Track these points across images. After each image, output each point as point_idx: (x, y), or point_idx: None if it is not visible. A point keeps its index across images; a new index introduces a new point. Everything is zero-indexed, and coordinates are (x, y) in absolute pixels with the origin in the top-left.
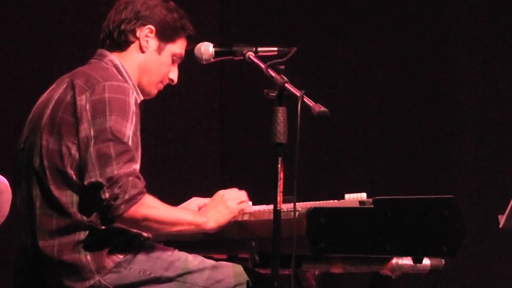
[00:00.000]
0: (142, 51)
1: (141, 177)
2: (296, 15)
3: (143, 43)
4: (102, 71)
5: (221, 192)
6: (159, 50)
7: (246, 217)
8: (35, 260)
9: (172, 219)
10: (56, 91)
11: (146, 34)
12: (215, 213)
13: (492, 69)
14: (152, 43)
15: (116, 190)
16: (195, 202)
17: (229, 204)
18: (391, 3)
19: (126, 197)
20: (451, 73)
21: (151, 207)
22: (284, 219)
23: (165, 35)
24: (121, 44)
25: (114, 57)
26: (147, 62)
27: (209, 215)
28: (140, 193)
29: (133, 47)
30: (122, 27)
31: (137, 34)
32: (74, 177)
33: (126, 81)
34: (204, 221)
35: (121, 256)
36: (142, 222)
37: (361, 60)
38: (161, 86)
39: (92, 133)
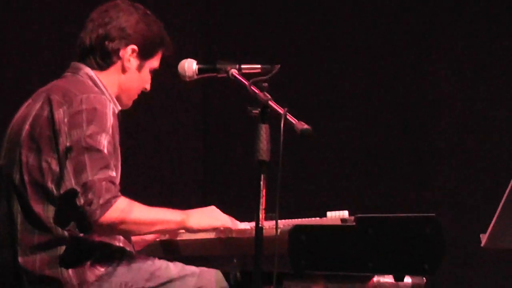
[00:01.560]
0: (124, 71)
1: (116, 182)
2: (280, 32)
3: (126, 64)
4: (78, 84)
5: (213, 206)
6: (140, 68)
7: (228, 234)
8: (16, 276)
9: (151, 219)
10: (33, 106)
11: (129, 54)
12: (199, 214)
13: (474, 88)
14: (134, 62)
15: (90, 196)
16: None
17: (215, 214)
18: (374, 22)
19: (101, 201)
20: (433, 91)
21: (126, 210)
22: (266, 237)
23: (146, 53)
24: (102, 65)
25: (89, 70)
26: (127, 81)
27: (190, 214)
28: (114, 197)
29: (115, 67)
30: (106, 44)
31: (120, 54)
32: (55, 191)
33: (102, 92)
34: (184, 218)
35: (102, 269)
36: (120, 226)
37: (345, 78)
38: (136, 96)
39: (68, 144)
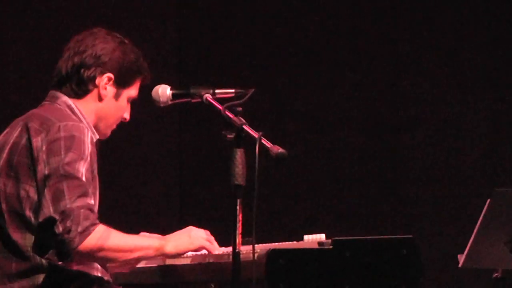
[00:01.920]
0: (100, 100)
1: (94, 210)
2: (254, 56)
3: (102, 92)
4: (55, 112)
5: (190, 226)
6: (117, 97)
7: (206, 259)
8: None
9: (129, 246)
10: (11, 134)
11: (105, 82)
12: (176, 239)
13: (451, 104)
14: (110, 90)
15: (69, 223)
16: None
17: (192, 234)
18: (348, 42)
19: (79, 229)
20: (409, 109)
21: (105, 237)
22: (244, 261)
23: (123, 81)
24: (79, 93)
25: (67, 98)
26: (104, 109)
27: (168, 239)
28: (93, 225)
29: (91, 95)
30: (81, 72)
31: (96, 82)
32: (33, 219)
33: (80, 120)
34: (162, 244)
35: None
36: (98, 253)
37: (319, 101)
38: (115, 126)
39: (47, 172)
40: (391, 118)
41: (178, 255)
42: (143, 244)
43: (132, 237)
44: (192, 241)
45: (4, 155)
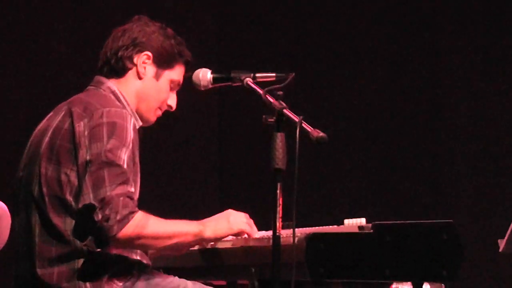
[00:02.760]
0: (140, 78)
1: (134, 198)
2: (294, 40)
3: (141, 69)
4: (100, 98)
5: (229, 210)
6: (157, 77)
7: (246, 243)
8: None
9: (168, 232)
10: (54, 119)
11: (144, 60)
12: (215, 224)
13: (489, 92)
14: (150, 69)
15: (107, 212)
16: None
17: (231, 219)
18: (388, 32)
19: (118, 217)
20: (448, 97)
21: (143, 224)
22: (284, 245)
23: (163, 61)
24: (118, 70)
25: (112, 83)
26: (145, 89)
27: (207, 225)
28: (132, 213)
29: (131, 74)
30: (120, 53)
31: (135, 60)
32: (73, 204)
33: (124, 107)
34: (201, 229)
35: (120, 284)
36: (137, 241)
37: (359, 86)
38: (159, 113)
39: (88, 157)
40: (433, 101)
41: (217, 240)
42: (182, 230)
43: (170, 223)
44: (231, 226)
45: (46, 139)
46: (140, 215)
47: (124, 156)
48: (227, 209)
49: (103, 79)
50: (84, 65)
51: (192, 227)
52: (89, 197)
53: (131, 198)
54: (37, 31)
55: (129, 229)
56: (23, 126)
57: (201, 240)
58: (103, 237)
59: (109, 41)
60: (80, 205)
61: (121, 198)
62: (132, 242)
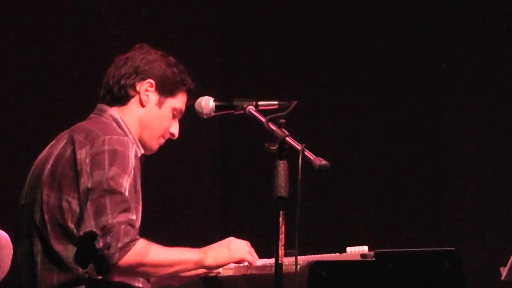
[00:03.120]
0: (143, 106)
1: (135, 225)
2: (297, 68)
3: (143, 97)
4: (102, 126)
5: (230, 238)
6: (160, 104)
7: (247, 271)
8: None
9: (169, 260)
10: (56, 146)
11: (146, 88)
12: (216, 252)
13: (492, 114)
14: (152, 97)
15: (109, 239)
16: None
17: (232, 247)
18: (390, 53)
19: (119, 245)
20: (450, 120)
21: (145, 253)
22: (286, 273)
23: (165, 89)
24: (121, 98)
25: (114, 111)
26: (147, 117)
27: (208, 252)
28: (133, 240)
29: (133, 102)
30: (122, 82)
31: (137, 88)
32: (75, 231)
33: (126, 134)
34: (202, 257)
35: None
36: (138, 268)
37: (361, 113)
38: (162, 141)
39: (89, 185)
40: (435, 127)
41: (218, 267)
42: (183, 258)
43: (171, 250)
44: (232, 254)
45: (48, 166)
46: (141, 243)
47: (125, 184)
48: (229, 236)
49: (106, 107)
50: (87, 93)
51: (193, 255)
52: (90, 225)
53: (133, 226)
54: (39, 63)
55: (130, 257)
56: (25, 154)
57: (201, 267)
58: (104, 265)
59: (111, 69)
60: (81, 233)
61: (123, 226)
62: (133, 270)
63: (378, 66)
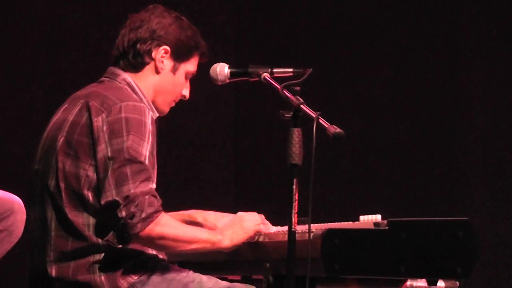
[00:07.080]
0: (158, 72)
1: (158, 196)
2: (312, 36)
3: (159, 64)
4: (117, 91)
5: (240, 214)
6: (174, 70)
7: (260, 238)
8: (48, 282)
9: (188, 237)
10: (70, 112)
11: (162, 54)
12: (231, 232)
13: (506, 95)
14: (167, 63)
15: (133, 209)
16: (201, 214)
17: (245, 225)
18: (408, 28)
19: (143, 215)
20: (465, 89)
21: (167, 225)
22: (299, 241)
23: (180, 55)
24: (136, 65)
25: (128, 76)
26: (162, 83)
27: (224, 234)
28: (157, 212)
29: (148, 68)
30: (138, 47)
31: (153, 55)
32: (91, 199)
33: (141, 100)
34: (220, 239)
35: (135, 277)
36: (158, 241)
37: (377, 82)
38: (173, 103)
39: (109, 153)
40: (450, 98)
41: (234, 248)
42: (202, 237)
43: (192, 228)
44: (246, 231)
45: (63, 133)
46: (165, 216)
47: (145, 152)
48: (241, 204)
49: (118, 70)
50: (98, 51)
51: (211, 236)
52: (112, 194)
53: (156, 197)
54: (50, 16)
55: (153, 228)
56: (37, 117)
57: (218, 249)
58: (126, 234)
59: (125, 30)
60: (102, 202)
61: (147, 197)
62: (153, 241)
63: (394, 34)
